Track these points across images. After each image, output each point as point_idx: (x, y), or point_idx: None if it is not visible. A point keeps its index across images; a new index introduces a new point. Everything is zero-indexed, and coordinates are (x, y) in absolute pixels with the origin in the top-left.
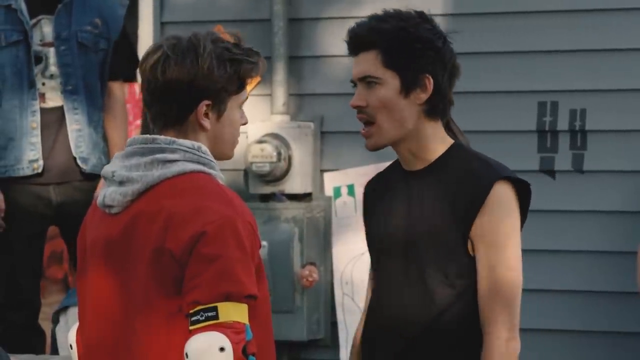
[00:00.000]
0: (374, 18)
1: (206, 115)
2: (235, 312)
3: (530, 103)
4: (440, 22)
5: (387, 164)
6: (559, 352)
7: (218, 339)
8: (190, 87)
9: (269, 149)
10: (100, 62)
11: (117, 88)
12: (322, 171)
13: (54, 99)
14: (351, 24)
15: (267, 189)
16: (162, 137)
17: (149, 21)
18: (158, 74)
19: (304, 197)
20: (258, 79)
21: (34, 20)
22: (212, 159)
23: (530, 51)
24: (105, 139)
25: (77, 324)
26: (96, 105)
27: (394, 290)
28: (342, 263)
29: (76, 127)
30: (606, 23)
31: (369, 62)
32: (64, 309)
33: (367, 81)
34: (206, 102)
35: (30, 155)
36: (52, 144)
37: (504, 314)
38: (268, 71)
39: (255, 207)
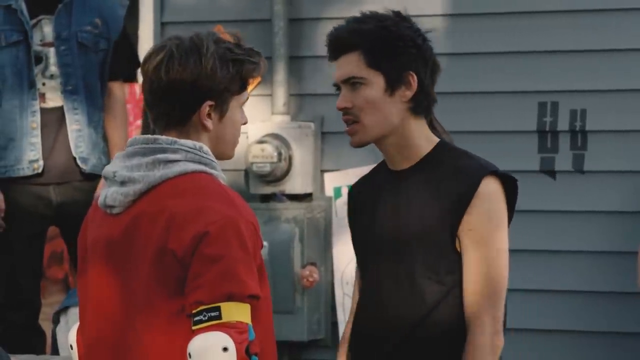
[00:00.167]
0: (352, 20)
1: (209, 115)
2: (238, 312)
3: (530, 103)
4: (440, 22)
5: None
6: (559, 353)
7: (221, 338)
8: (194, 87)
9: (269, 149)
10: (100, 62)
11: (117, 88)
12: (323, 171)
13: (54, 99)
14: None
15: (268, 189)
16: (164, 137)
17: (149, 21)
18: (161, 75)
19: (305, 197)
20: (259, 79)
21: (34, 21)
22: (214, 159)
23: (530, 51)
24: (105, 139)
25: (77, 324)
26: (96, 106)
27: (384, 290)
28: (343, 263)
29: (76, 127)
30: (606, 23)
31: (352, 64)
32: (64, 309)
33: (352, 82)
34: (209, 102)
35: (31, 156)
36: (52, 144)
37: (489, 309)
38: (268, 71)
39: (256, 208)
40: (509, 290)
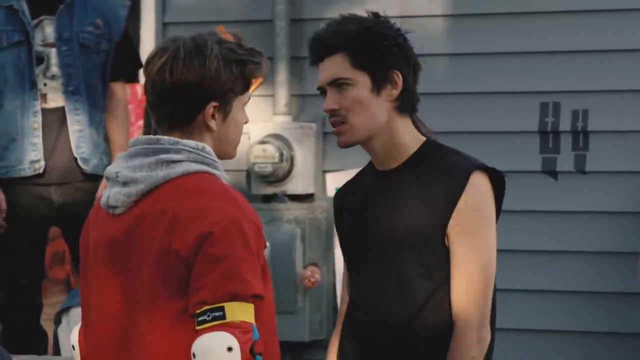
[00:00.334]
0: (334, 23)
1: (213, 116)
2: (242, 312)
3: (532, 104)
4: (440, 23)
5: None
6: (560, 353)
7: (226, 338)
8: (199, 89)
9: (271, 149)
10: (101, 63)
11: (119, 89)
12: (324, 172)
13: (55, 100)
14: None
15: (269, 190)
16: (166, 137)
17: (151, 22)
18: (166, 76)
19: (306, 197)
20: (261, 79)
21: (35, 21)
22: (216, 159)
23: (532, 52)
24: (106, 139)
25: (79, 325)
26: (98, 106)
27: (375, 289)
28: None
29: (77, 127)
30: (608, 24)
31: (338, 65)
32: (66, 309)
33: (338, 84)
34: (213, 103)
35: (32, 156)
36: (54, 144)
37: (476, 303)
38: (270, 72)
39: (258, 208)
40: (510, 291)
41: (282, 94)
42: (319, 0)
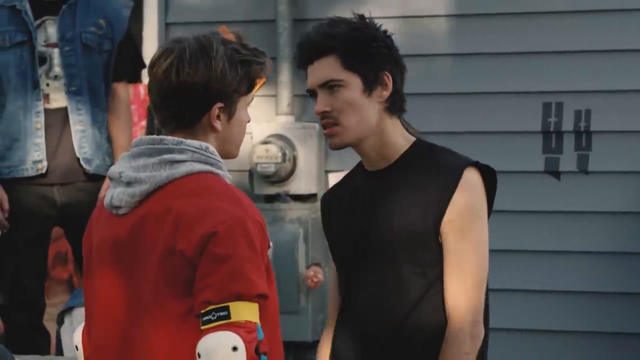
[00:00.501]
0: (323, 25)
1: (218, 117)
2: (246, 312)
3: (535, 104)
4: (444, 23)
5: None
6: (562, 353)
7: (231, 338)
8: (205, 90)
9: (273, 149)
10: (104, 63)
11: (122, 89)
12: (327, 172)
13: (58, 100)
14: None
15: (272, 190)
16: (170, 137)
17: (154, 22)
18: (172, 78)
19: (309, 197)
20: (264, 79)
21: (38, 21)
22: (220, 159)
23: (535, 52)
24: (109, 140)
25: (82, 325)
26: (100, 106)
27: (369, 289)
28: None
29: (80, 127)
30: (611, 24)
31: (329, 67)
32: (69, 309)
33: (329, 86)
34: (219, 104)
35: (35, 156)
36: (56, 144)
37: (469, 299)
38: (273, 72)
39: (260, 208)
40: (513, 291)
41: (285, 94)
42: (321, 0)
